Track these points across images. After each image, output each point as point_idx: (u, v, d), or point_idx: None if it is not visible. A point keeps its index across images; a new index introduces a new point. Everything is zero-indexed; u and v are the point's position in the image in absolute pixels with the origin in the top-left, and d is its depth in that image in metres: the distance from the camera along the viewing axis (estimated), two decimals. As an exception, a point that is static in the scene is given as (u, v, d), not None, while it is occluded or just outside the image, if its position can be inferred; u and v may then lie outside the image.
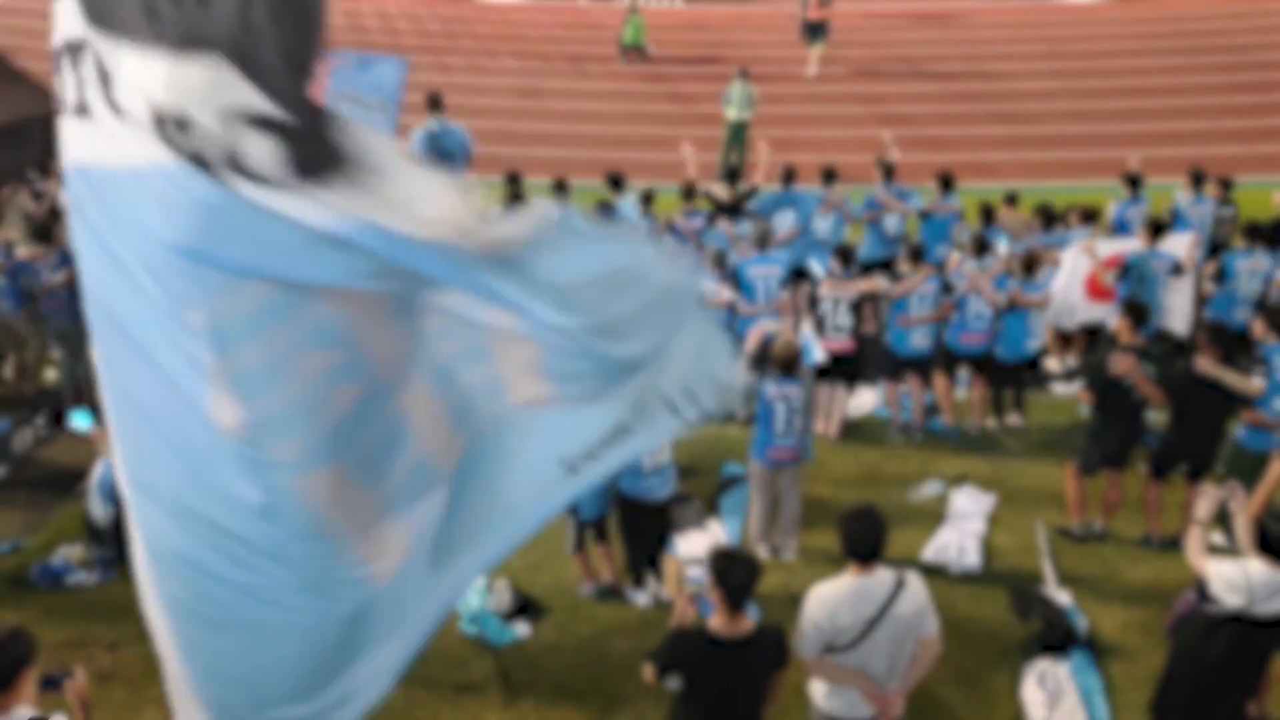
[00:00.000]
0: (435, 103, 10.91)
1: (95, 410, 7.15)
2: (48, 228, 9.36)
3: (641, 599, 6.65)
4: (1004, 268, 8.98)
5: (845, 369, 8.86)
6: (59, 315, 9.01)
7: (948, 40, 21.71)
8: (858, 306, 8.92)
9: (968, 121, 17.62)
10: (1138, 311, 7.00)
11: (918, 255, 8.92)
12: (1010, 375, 9.06)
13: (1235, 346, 7.00)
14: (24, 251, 9.22)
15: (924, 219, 10.91)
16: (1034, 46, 21.56)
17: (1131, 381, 6.80)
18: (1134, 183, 10.80)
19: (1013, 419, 9.16)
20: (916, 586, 4.34)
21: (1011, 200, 10.94)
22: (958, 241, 10.31)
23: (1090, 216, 10.19)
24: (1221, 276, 9.32)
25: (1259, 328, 6.94)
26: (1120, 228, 10.40)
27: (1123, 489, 7.26)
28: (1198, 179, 10.90)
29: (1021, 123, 17.51)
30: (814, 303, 9.04)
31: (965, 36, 21.87)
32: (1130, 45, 21.24)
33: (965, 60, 20.48)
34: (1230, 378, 6.61)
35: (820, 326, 8.75)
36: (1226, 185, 10.90)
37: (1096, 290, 9.19)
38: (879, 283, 9.01)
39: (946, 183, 10.94)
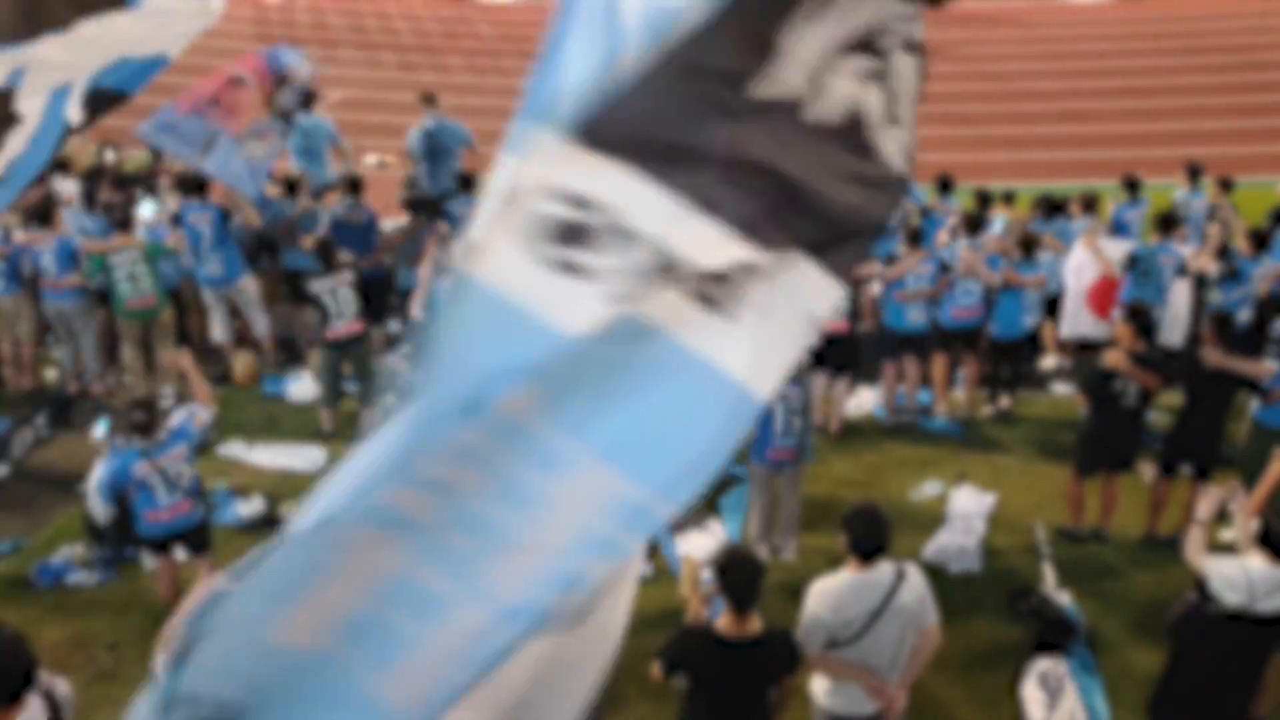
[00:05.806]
0: (430, 100, 11.18)
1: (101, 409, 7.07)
2: (46, 210, 9.06)
3: None
4: (997, 246, 8.99)
5: (839, 353, 8.66)
6: (57, 298, 8.95)
7: (947, 40, 21.70)
8: (854, 286, 8.89)
9: (968, 121, 17.60)
10: (1140, 318, 6.99)
11: (915, 239, 8.94)
12: (1006, 353, 9.10)
13: (1240, 340, 7.07)
14: (21, 235, 9.08)
15: (923, 216, 10.89)
16: (1034, 46, 21.56)
17: (1124, 386, 6.81)
18: (1133, 186, 10.80)
19: (1004, 401, 9.20)
20: (916, 577, 4.36)
21: (1009, 199, 10.91)
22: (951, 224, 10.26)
23: (1091, 205, 10.19)
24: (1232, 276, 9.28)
25: None
26: (1118, 229, 10.39)
27: (1120, 490, 7.25)
28: (1194, 173, 10.91)
29: (1021, 123, 17.50)
30: None
31: (965, 36, 21.85)
32: (1131, 45, 21.23)
33: (965, 60, 20.47)
34: (1239, 365, 6.66)
35: None
36: (1226, 186, 10.89)
37: (1101, 304, 9.16)
38: (874, 266, 9.01)
39: (945, 185, 10.93)
